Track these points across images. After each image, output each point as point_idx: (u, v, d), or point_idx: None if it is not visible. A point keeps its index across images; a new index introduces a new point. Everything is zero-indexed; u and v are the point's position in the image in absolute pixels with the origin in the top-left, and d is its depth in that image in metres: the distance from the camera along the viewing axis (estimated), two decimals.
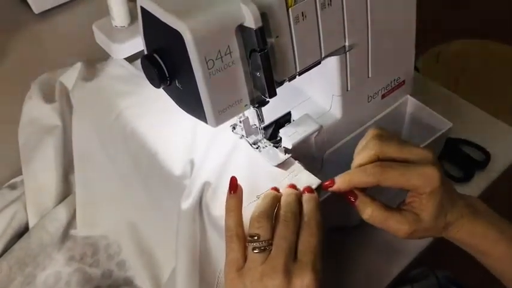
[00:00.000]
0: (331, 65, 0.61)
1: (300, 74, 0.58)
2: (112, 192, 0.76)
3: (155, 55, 0.54)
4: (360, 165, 0.53)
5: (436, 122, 0.69)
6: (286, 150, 0.61)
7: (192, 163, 0.62)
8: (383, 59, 0.65)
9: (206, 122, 0.54)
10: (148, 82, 0.55)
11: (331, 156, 0.67)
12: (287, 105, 0.67)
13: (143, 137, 0.66)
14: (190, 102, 0.55)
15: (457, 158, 0.79)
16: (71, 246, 0.74)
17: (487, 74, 1.16)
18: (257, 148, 0.62)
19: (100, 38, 0.70)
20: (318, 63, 0.59)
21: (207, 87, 0.51)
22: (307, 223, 0.51)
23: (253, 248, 0.49)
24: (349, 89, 0.63)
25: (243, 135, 0.63)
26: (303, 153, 0.63)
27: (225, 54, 0.51)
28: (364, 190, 0.54)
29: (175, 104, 0.58)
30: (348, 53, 0.60)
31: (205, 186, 0.59)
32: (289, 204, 0.52)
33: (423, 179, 0.51)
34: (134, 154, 0.68)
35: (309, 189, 0.55)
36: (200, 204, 0.60)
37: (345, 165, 0.59)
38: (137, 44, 0.69)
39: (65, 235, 0.74)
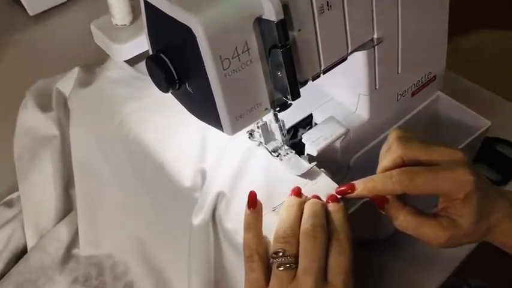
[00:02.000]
0: (357, 61, 0.55)
1: (324, 72, 0.52)
2: (117, 206, 0.70)
3: (162, 55, 0.47)
4: (385, 171, 0.48)
5: (472, 121, 0.63)
6: (310, 158, 0.55)
7: (203, 173, 0.57)
8: (414, 53, 0.58)
9: (222, 129, 0.48)
10: (152, 85, 0.49)
11: (358, 162, 0.60)
12: (307, 107, 0.60)
13: (148, 145, 0.60)
14: (203, 108, 0.48)
15: (492, 159, 0.73)
16: (74, 267, 0.68)
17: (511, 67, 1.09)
18: (277, 156, 0.56)
19: (99, 38, 0.63)
20: (344, 59, 0.53)
21: (223, 90, 0.45)
22: (336, 238, 0.46)
23: (279, 265, 0.45)
24: (377, 87, 0.57)
25: (261, 143, 0.56)
26: (327, 160, 0.56)
27: (243, 52, 0.45)
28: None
29: (182, 109, 0.53)
30: (376, 47, 0.54)
31: (218, 197, 0.54)
32: (317, 215, 0.47)
33: (455, 184, 0.46)
34: (138, 164, 0.63)
35: (333, 198, 0.49)
36: (214, 218, 0.54)
37: (373, 171, 0.54)
38: (141, 43, 0.62)
39: (67, 256, 0.68)
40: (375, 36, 0.54)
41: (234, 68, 0.45)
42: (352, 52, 0.53)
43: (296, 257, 0.45)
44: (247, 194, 0.50)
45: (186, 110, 0.52)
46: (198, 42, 0.43)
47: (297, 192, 0.50)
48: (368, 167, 0.61)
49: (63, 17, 1.03)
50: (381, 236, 0.65)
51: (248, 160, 0.56)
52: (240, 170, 0.55)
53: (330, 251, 0.46)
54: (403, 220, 0.47)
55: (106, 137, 0.65)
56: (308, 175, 0.54)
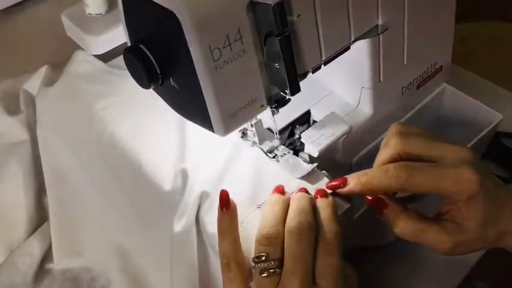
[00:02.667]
0: (360, 51, 0.49)
1: (325, 64, 0.46)
2: (94, 214, 0.64)
3: (142, 46, 0.42)
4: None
5: (482, 114, 0.58)
6: (311, 159, 0.49)
7: (184, 174, 0.51)
8: (420, 41, 0.53)
9: (212, 129, 0.42)
10: (124, 79, 0.44)
11: (361, 162, 0.55)
12: (305, 102, 0.55)
13: (122, 145, 0.54)
14: (191, 106, 0.42)
15: (499, 155, 0.68)
16: (48, 284, 0.62)
17: None
18: (274, 157, 0.50)
19: (72, 30, 0.57)
20: (347, 48, 0.47)
21: (213, 84, 0.39)
22: (324, 237, 0.42)
23: (262, 271, 0.41)
24: (381, 79, 0.52)
25: (254, 143, 0.51)
26: (327, 161, 0.51)
27: (235, 41, 0.39)
28: (393, 196, 0.45)
29: (158, 103, 0.47)
30: (381, 35, 0.49)
31: (202, 198, 0.49)
32: (304, 211, 0.43)
33: (457, 184, 0.42)
34: (114, 167, 0.57)
35: (322, 193, 0.45)
36: (198, 222, 0.49)
37: None
38: (119, 35, 0.55)
39: (40, 271, 0.62)
40: (380, 22, 0.48)
41: (226, 59, 0.39)
42: (355, 41, 0.47)
43: (281, 261, 0.41)
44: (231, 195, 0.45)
45: (162, 104, 0.47)
46: (184, 30, 0.37)
47: (281, 190, 0.46)
48: (371, 167, 0.56)
49: (34, 11, 0.96)
50: (386, 240, 0.60)
51: (234, 158, 0.51)
52: (225, 169, 0.50)
53: (317, 252, 0.42)
54: (403, 227, 0.43)
55: (77, 139, 0.59)
56: (307, 177, 0.48)
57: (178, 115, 0.46)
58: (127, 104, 0.56)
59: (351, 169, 0.56)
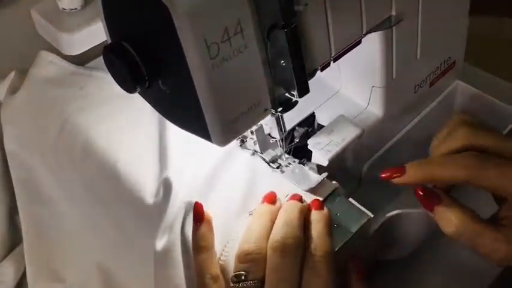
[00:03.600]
0: (372, 45, 0.44)
1: (335, 60, 0.41)
2: (71, 232, 0.58)
3: (124, 44, 0.35)
4: None
5: (499, 112, 0.53)
6: (320, 169, 0.44)
7: (166, 184, 0.45)
8: (435, 33, 0.48)
9: (209, 139, 0.36)
10: (96, 80, 0.38)
11: (372, 168, 0.50)
12: (307, 104, 0.49)
13: (97, 154, 0.49)
14: (184, 112, 0.37)
15: None
16: None
17: None
18: (277, 168, 0.44)
19: (43, 27, 0.50)
20: (358, 42, 0.42)
21: (210, 86, 0.33)
22: (312, 255, 0.38)
23: None
24: (394, 76, 0.47)
25: (255, 151, 0.45)
26: (336, 170, 0.45)
27: (235, 34, 0.33)
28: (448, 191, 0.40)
29: (134, 104, 0.43)
30: (394, 27, 0.43)
31: (187, 209, 0.43)
32: (291, 224, 0.39)
33: None
34: (90, 179, 0.51)
35: (317, 204, 0.40)
36: (184, 238, 0.43)
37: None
38: (97, 32, 0.49)
39: None
40: (393, 13, 0.43)
41: (224, 56, 0.33)
42: (367, 33, 0.42)
43: (262, 281, 0.37)
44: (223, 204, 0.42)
45: (139, 105, 0.41)
46: (175, 22, 0.31)
47: (271, 198, 0.41)
48: None
49: (2, 6, 0.88)
50: (400, 254, 0.54)
51: (222, 162, 0.45)
52: (213, 176, 0.45)
53: (304, 270, 0.37)
54: (460, 226, 0.37)
55: (47, 151, 0.52)
56: (315, 189, 0.43)
57: (159, 116, 0.41)
58: (99, 107, 0.50)
59: (361, 177, 0.50)
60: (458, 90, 0.56)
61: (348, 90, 0.49)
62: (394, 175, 0.39)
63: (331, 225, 0.40)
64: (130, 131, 0.49)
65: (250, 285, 0.37)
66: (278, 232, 0.38)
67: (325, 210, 0.41)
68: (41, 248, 0.58)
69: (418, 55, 0.48)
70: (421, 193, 0.39)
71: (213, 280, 0.38)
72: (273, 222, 0.40)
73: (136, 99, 0.40)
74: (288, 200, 0.42)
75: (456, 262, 0.52)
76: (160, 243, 0.43)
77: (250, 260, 0.38)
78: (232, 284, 0.38)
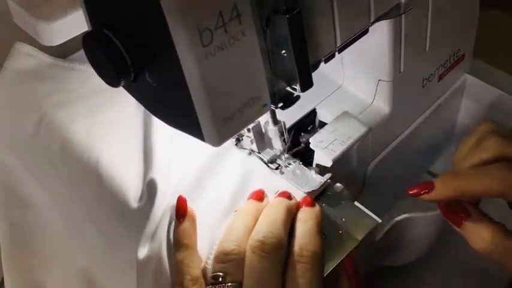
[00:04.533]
0: (379, 35, 0.40)
1: (340, 51, 0.37)
2: (52, 235, 0.53)
3: (106, 32, 0.31)
4: None
5: (510, 107, 0.50)
6: (322, 169, 0.40)
7: (151, 187, 0.41)
8: (445, 23, 0.45)
9: (202, 138, 0.32)
10: (76, 73, 0.36)
11: (378, 169, 0.46)
12: (308, 99, 0.46)
13: (77, 153, 0.44)
14: (173, 108, 0.33)
15: None
16: None
17: None
18: (276, 168, 0.41)
19: (19, 15, 0.46)
20: (365, 31, 0.38)
21: (203, 78, 0.30)
22: (296, 254, 0.35)
23: None
24: (402, 69, 0.43)
25: (252, 151, 0.41)
26: (339, 170, 0.42)
27: (231, 20, 0.29)
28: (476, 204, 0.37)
29: (116, 99, 0.41)
30: (403, 15, 0.40)
31: (172, 213, 0.39)
32: (274, 223, 0.36)
33: None
34: (71, 180, 0.47)
35: (308, 201, 0.38)
36: (170, 245, 0.39)
37: (395, 181, 0.44)
38: (79, 20, 0.44)
39: None
40: (403, 0, 0.39)
41: (219, 44, 0.29)
42: (375, 22, 0.38)
43: (242, 284, 0.34)
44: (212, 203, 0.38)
45: (122, 98, 0.38)
46: (162, 5, 0.27)
47: (258, 195, 0.39)
48: (388, 175, 0.47)
49: None
50: (401, 261, 0.51)
51: (216, 159, 0.41)
52: (203, 177, 0.41)
53: (287, 271, 0.34)
54: (491, 242, 0.34)
55: (25, 149, 0.48)
56: (317, 191, 0.39)
57: (144, 111, 0.37)
58: (80, 102, 0.46)
59: (365, 179, 0.47)
60: (467, 84, 0.52)
61: (352, 85, 0.46)
62: (423, 191, 0.36)
63: (321, 225, 0.36)
64: (111, 129, 0.45)
65: (228, 287, 0.34)
66: (259, 231, 0.35)
67: (317, 207, 0.37)
68: (21, 255, 0.54)
69: (427, 47, 0.44)
70: (447, 207, 0.36)
71: (192, 282, 0.36)
72: (256, 221, 0.37)
73: (121, 93, 0.36)
74: (276, 196, 0.38)
75: (464, 266, 0.49)
76: (143, 251, 0.39)
77: (229, 261, 0.35)
78: (209, 286, 0.35)
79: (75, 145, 0.44)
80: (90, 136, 0.44)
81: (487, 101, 0.52)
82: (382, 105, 0.45)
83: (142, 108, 0.37)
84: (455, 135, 0.57)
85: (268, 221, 0.36)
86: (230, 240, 0.36)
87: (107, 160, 0.42)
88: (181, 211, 0.38)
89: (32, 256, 0.54)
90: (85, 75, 0.47)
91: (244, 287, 0.34)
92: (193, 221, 0.38)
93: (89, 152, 0.43)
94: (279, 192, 0.39)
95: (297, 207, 0.38)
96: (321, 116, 0.45)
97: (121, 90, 0.35)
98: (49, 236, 0.54)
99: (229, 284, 0.34)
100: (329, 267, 0.36)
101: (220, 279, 0.34)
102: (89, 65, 0.33)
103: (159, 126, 0.41)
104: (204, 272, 0.37)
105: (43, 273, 0.55)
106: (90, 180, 0.43)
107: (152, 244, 0.39)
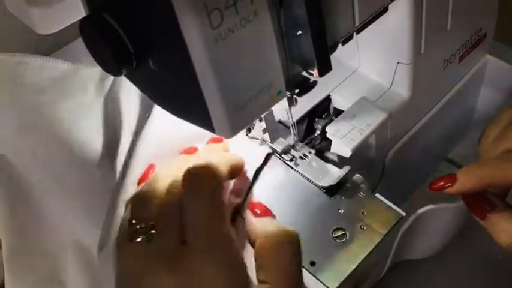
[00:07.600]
0: (398, 14, 0.37)
1: (358, 31, 0.34)
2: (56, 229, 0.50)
3: (105, 16, 0.29)
4: None
5: None
6: (340, 160, 0.37)
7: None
8: (467, 1, 0.42)
9: (212, 129, 0.30)
10: None
11: (396, 158, 0.44)
12: (322, 85, 0.43)
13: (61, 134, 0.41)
14: (180, 98, 0.30)
15: None
16: None
17: None
18: (290, 160, 0.38)
19: (13, 2, 0.43)
20: (385, 9, 0.35)
21: (212, 64, 0.27)
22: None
23: (130, 236, 0.33)
24: (422, 50, 0.40)
25: (264, 141, 0.38)
26: (358, 160, 0.39)
27: None
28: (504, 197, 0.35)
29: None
30: None
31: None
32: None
33: None
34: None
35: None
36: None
37: (415, 169, 0.43)
38: (76, 6, 0.42)
39: None
40: None
41: (230, 27, 0.27)
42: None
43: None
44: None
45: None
46: None
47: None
48: (407, 164, 0.45)
49: None
50: (421, 255, 0.49)
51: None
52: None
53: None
54: None
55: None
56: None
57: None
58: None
59: (384, 167, 0.44)
60: (488, 66, 0.50)
61: (368, 69, 0.43)
62: (447, 185, 0.33)
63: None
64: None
65: (140, 229, 0.33)
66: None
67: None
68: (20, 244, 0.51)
69: (448, 25, 0.41)
70: (472, 198, 0.33)
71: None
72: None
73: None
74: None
75: (484, 261, 0.47)
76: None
77: (142, 203, 0.34)
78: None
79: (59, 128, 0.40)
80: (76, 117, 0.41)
81: (508, 83, 0.50)
82: (401, 90, 0.42)
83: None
84: (474, 121, 0.54)
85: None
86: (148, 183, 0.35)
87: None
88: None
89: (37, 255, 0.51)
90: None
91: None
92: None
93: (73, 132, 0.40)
94: (210, 138, 0.38)
95: None
96: (336, 102, 0.42)
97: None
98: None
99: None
100: (350, 267, 0.33)
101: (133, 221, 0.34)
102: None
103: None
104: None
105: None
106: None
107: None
